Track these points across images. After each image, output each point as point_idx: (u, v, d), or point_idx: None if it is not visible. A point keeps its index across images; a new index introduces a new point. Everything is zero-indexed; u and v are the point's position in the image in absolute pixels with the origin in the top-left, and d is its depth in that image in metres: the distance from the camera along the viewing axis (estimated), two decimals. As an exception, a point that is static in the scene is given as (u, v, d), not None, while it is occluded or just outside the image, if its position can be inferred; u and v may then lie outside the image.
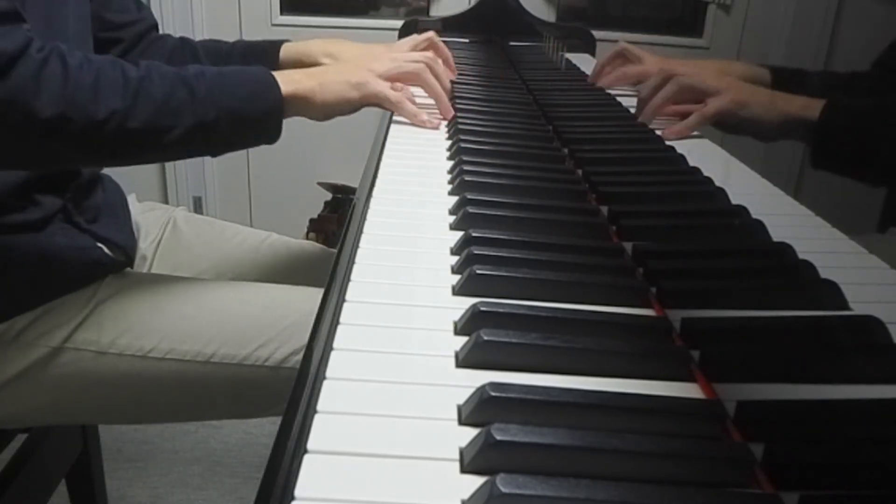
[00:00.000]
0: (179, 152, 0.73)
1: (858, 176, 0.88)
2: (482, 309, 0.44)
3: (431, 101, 0.91)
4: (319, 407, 0.36)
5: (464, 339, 0.43)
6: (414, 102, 0.89)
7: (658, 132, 0.90)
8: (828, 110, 0.85)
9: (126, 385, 0.76)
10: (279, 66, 0.97)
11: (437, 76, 0.90)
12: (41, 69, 0.61)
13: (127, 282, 0.79)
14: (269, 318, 0.79)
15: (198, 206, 2.19)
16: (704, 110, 0.90)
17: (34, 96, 0.61)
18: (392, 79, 0.85)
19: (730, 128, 0.93)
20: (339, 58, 0.98)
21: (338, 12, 2.23)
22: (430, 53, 0.92)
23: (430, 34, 1.03)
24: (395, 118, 0.91)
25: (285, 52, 1.00)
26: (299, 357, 0.77)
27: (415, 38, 1.02)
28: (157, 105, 0.67)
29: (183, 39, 1.02)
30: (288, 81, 0.76)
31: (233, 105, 0.71)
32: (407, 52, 0.94)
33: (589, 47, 1.58)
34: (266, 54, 0.99)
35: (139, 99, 0.66)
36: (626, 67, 1.12)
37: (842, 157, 0.86)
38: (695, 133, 0.93)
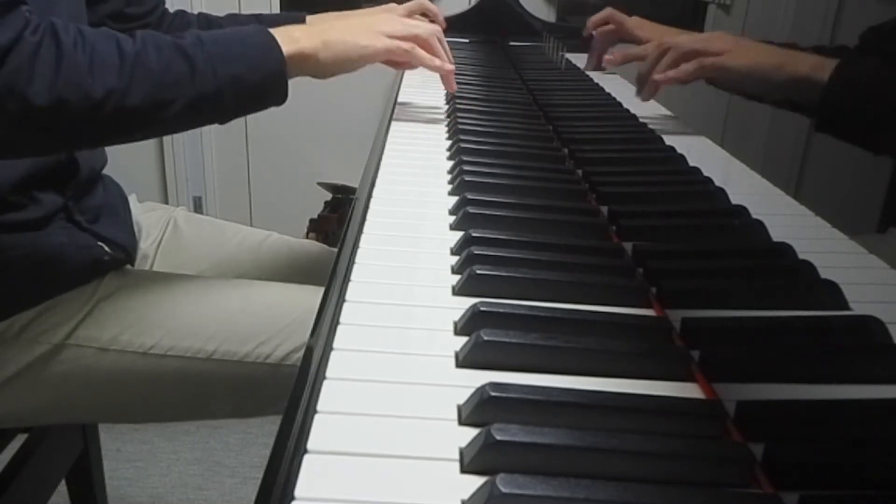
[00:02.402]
0: (185, 124, 0.71)
1: (864, 142, 0.85)
2: (482, 309, 0.44)
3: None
4: (319, 407, 0.36)
5: (464, 339, 0.43)
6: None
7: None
8: (839, 70, 0.81)
9: (127, 382, 0.76)
10: None
11: (443, 47, 0.88)
12: (35, 54, 0.60)
13: (128, 279, 0.80)
14: (271, 315, 0.79)
15: (198, 206, 2.19)
16: (707, 61, 0.86)
17: (29, 83, 0.60)
18: (398, 38, 0.83)
19: (733, 86, 0.90)
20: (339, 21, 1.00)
21: (336, 11, 2.23)
22: (434, 25, 0.90)
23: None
24: (395, 117, 0.91)
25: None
26: (300, 354, 0.77)
27: (408, 5, 1.03)
28: (155, 79, 0.65)
29: (205, 17, 1.03)
30: (289, 41, 0.73)
31: (234, 72, 0.69)
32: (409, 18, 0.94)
33: (588, 47, 1.58)
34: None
35: (136, 74, 0.64)
36: (627, 50, 1.08)
37: (850, 120, 0.83)
38: (695, 133, 0.93)
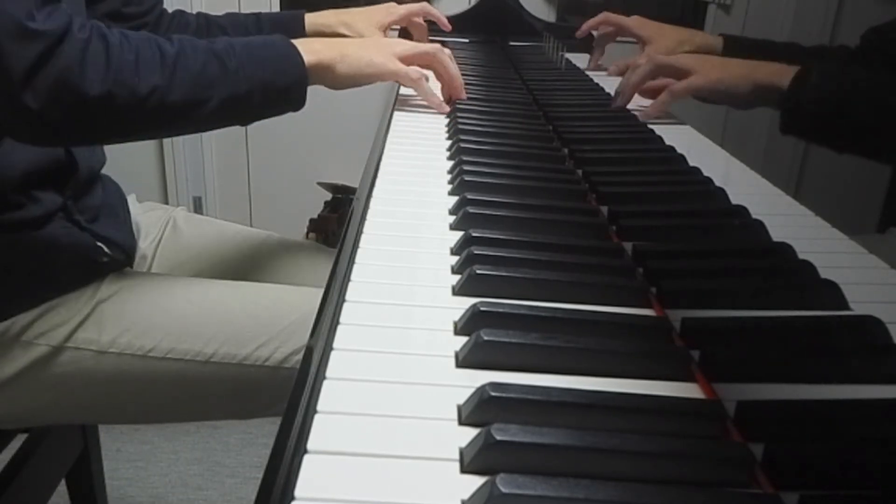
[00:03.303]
0: (215, 123, 0.75)
1: (826, 142, 0.89)
2: (482, 309, 0.44)
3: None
4: (319, 407, 0.36)
5: (464, 339, 0.43)
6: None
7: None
8: (798, 76, 0.86)
9: (126, 384, 0.76)
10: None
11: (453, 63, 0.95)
12: (86, 48, 0.63)
13: (128, 281, 0.79)
14: (270, 317, 0.79)
15: (198, 206, 2.19)
16: (675, 87, 0.94)
17: (81, 75, 0.62)
18: (409, 59, 0.88)
19: (705, 98, 0.95)
20: (353, 26, 1.09)
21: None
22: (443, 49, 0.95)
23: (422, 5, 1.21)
24: (395, 117, 0.91)
25: (307, 24, 1.08)
26: (299, 357, 0.77)
27: (410, 6, 1.18)
28: (193, 79, 0.69)
29: (204, 17, 1.05)
30: (310, 52, 0.79)
31: (263, 77, 0.74)
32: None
33: (589, 47, 1.58)
34: (292, 31, 1.02)
35: (177, 74, 0.68)
36: (626, 62, 1.19)
37: (811, 122, 0.87)
38: (696, 134, 0.93)
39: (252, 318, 0.78)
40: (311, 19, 1.09)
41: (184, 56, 0.69)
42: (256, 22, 1.06)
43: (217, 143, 2.05)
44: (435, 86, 0.96)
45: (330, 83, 0.83)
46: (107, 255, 0.81)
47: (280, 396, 0.78)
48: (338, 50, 0.82)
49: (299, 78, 0.77)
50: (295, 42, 0.79)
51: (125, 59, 0.65)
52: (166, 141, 2.04)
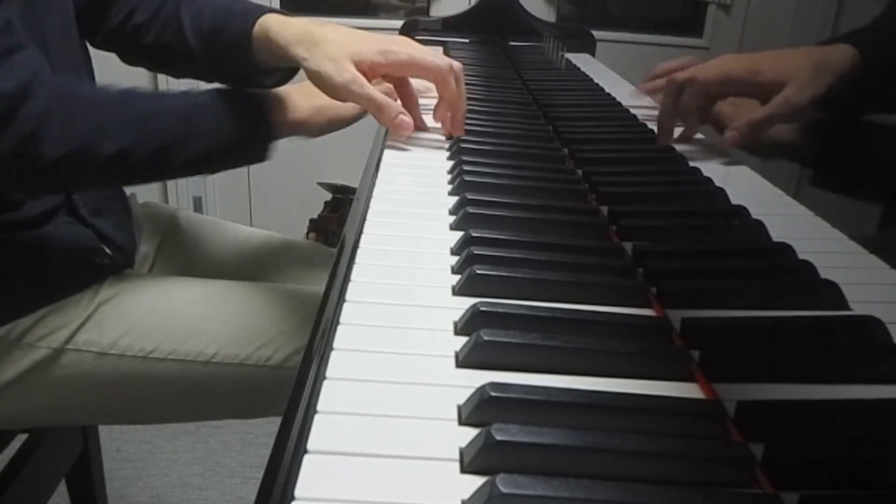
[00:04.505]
0: (182, 175, 0.77)
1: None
2: (482, 309, 0.44)
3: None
4: (319, 407, 0.36)
5: (464, 339, 0.43)
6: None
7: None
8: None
9: (128, 386, 0.76)
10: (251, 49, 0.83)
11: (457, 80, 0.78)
12: (47, 112, 0.61)
13: (128, 283, 0.79)
14: (271, 318, 0.79)
15: (198, 206, 2.19)
16: (766, 114, 0.74)
17: (41, 141, 0.61)
18: (381, 68, 0.76)
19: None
20: (311, 52, 0.79)
21: (338, 12, 2.23)
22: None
23: (443, 67, 0.80)
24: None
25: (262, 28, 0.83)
26: (300, 357, 0.77)
27: (424, 57, 0.81)
28: (160, 140, 0.68)
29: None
30: (287, 108, 0.77)
31: (231, 136, 0.72)
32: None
33: (589, 47, 1.58)
34: (235, 29, 0.84)
35: (144, 136, 0.67)
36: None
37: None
38: (699, 134, 0.93)
39: (253, 319, 0.78)
40: (272, 23, 0.81)
41: (153, 117, 0.68)
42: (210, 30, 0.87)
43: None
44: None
45: (305, 135, 0.82)
46: (108, 257, 0.81)
47: (281, 396, 0.78)
48: (311, 103, 0.79)
49: (269, 136, 0.75)
50: (276, 93, 0.77)
51: (90, 121, 0.64)
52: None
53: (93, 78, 0.87)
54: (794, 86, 0.76)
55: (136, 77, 0.96)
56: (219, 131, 0.72)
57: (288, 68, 0.85)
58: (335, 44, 0.75)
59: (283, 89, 0.81)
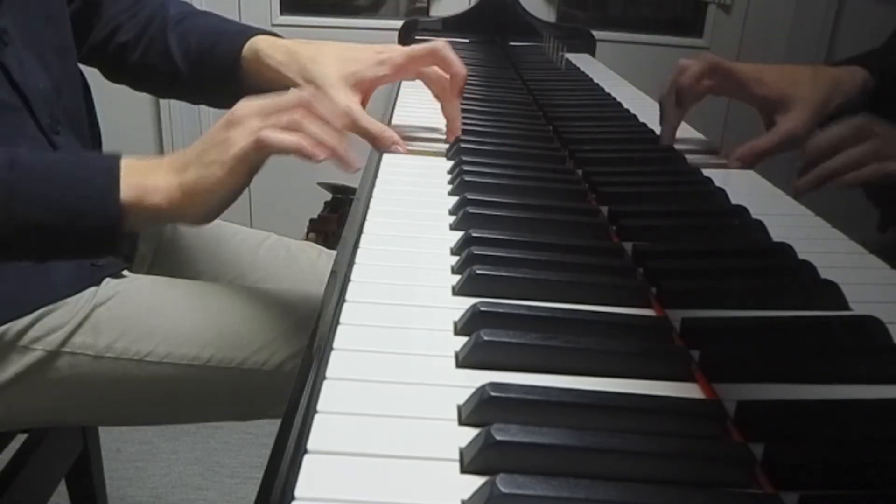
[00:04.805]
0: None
1: None
2: (482, 309, 0.44)
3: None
4: (319, 407, 0.36)
5: (464, 339, 0.43)
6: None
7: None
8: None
9: (123, 389, 0.76)
10: (240, 72, 0.81)
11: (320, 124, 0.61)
12: None
13: (124, 285, 0.79)
14: (267, 321, 0.78)
15: (198, 206, 2.19)
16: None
17: None
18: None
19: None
20: (308, 71, 0.75)
21: (338, 12, 2.23)
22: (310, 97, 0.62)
23: (435, 46, 0.77)
24: (394, 117, 0.91)
25: (251, 50, 0.80)
26: (297, 361, 0.76)
27: (416, 49, 0.78)
28: None
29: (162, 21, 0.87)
30: (134, 184, 0.58)
31: (35, 213, 0.56)
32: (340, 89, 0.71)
33: (589, 47, 1.58)
34: (222, 54, 0.81)
35: None
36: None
37: None
38: (695, 134, 0.93)
39: (248, 322, 0.78)
40: (262, 45, 0.80)
41: None
42: (198, 50, 0.84)
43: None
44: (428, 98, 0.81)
45: (188, 221, 0.63)
46: (104, 259, 0.81)
47: (277, 401, 0.78)
48: (177, 179, 0.59)
49: (104, 223, 0.57)
50: (124, 169, 0.58)
51: None
52: (166, 140, 2.04)
53: (87, 90, 0.87)
54: (801, 108, 0.76)
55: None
56: (18, 206, 0.56)
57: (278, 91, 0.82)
58: (329, 66, 0.72)
59: (140, 163, 0.60)
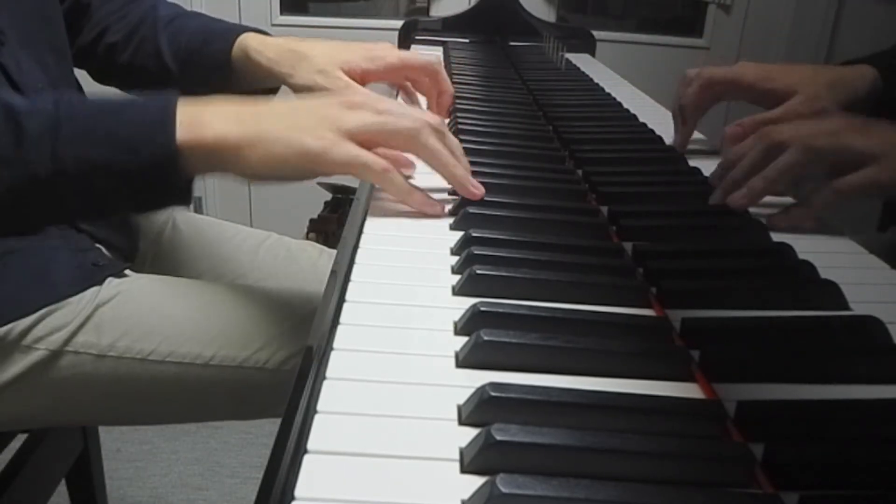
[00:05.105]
0: (14, 220, 0.56)
1: None
2: (482, 309, 0.44)
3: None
4: (319, 407, 0.36)
5: (464, 339, 0.43)
6: (409, 173, 0.65)
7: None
8: None
9: (126, 388, 0.76)
10: (231, 71, 0.79)
11: (446, 144, 0.60)
12: None
13: (126, 284, 0.79)
14: (269, 320, 0.79)
15: (198, 206, 2.19)
16: (845, 184, 0.60)
17: None
18: (368, 141, 0.57)
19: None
20: (295, 69, 0.72)
21: (338, 12, 2.23)
22: (435, 116, 0.61)
23: (430, 61, 0.76)
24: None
25: (241, 47, 0.78)
26: (297, 360, 0.76)
27: (413, 60, 0.77)
28: None
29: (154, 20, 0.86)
30: (194, 124, 0.54)
31: (87, 154, 0.52)
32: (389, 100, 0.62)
33: (589, 47, 1.58)
34: (210, 50, 0.80)
35: None
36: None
37: None
38: (695, 134, 0.93)
39: (250, 321, 0.78)
40: (252, 43, 0.78)
41: None
42: (188, 44, 0.83)
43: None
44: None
45: (236, 171, 0.56)
46: (105, 257, 0.81)
47: (280, 399, 0.78)
48: (250, 124, 0.55)
49: (159, 160, 0.52)
50: (183, 107, 0.54)
51: None
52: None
53: (81, 92, 0.87)
54: (802, 98, 0.74)
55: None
56: (66, 147, 0.51)
57: (267, 89, 0.80)
58: (320, 56, 0.70)
59: (202, 101, 0.56)
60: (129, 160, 0.52)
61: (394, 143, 0.58)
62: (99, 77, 0.91)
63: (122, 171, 0.53)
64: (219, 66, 0.79)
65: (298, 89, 0.68)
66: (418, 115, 0.59)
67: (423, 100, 0.87)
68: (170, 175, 0.54)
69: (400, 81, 0.81)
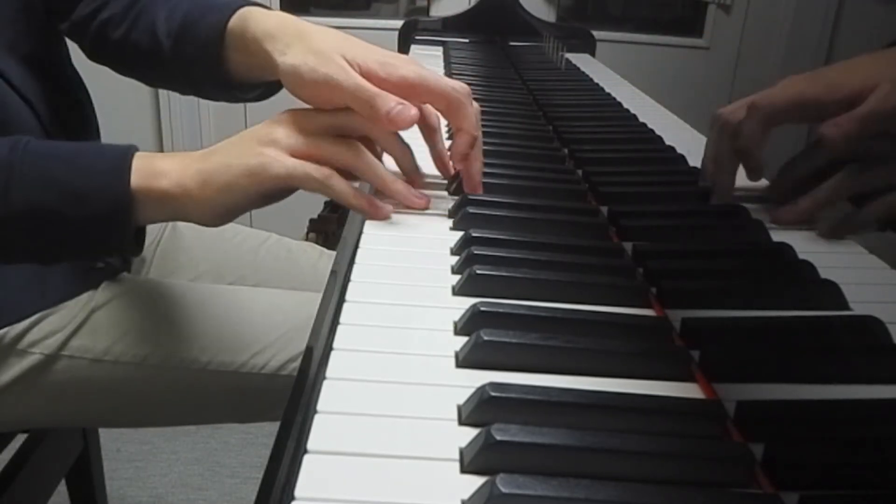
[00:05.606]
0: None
1: None
2: (482, 309, 0.44)
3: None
4: (319, 407, 0.36)
5: (464, 339, 0.43)
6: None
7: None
8: None
9: (122, 392, 0.76)
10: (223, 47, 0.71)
11: (385, 151, 0.61)
12: None
13: (122, 288, 0.79)
14: (266, 324, 0.78)
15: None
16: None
17: None
18: (306, 154, 0.56)
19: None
20: (299, 40, 0.63)
21: (338, 12, 2.23)
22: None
23: (458, 93, 0.60)
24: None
25: (234, 26, 0.69)
26: (296, 365, 0.76)
27: (433, 76, 0.61)
28: None
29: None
30: (149, 171, 0.55)
31: (36, 198, 0.52)
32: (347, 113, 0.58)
33: (589, 47, 1.58)
34: (205, 27, 0.71)
35: None
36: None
37: None
38: (695, 134, 0.93)
39: (247, 326, 0.78)
40: (255, 12, 0.69)
41: None
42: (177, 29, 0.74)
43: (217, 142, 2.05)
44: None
45: (197, 215, 0.57)
46: (103, 262, 0.81)
47: (276, 404, 0.78)
48: (196, 164, 0.56)
49: (112, 206, 0.53)
50: (136, 156, 0.55)
51: None
52: (166, 140, 2.04)
53: (85, 91, 0.84)
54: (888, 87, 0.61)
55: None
56: (17, 190, 0.52)
57: (270, 82, 0.72)
58: (324, 39, 0.62)
59: (152, 155, 0.57)
60: (80, 209, 0.53)
61: (334, 161, 0.58)
62: (91, 55, 0.83)
63: (73, 219, 0.53)
64: (212, 40, 0.69)
65: (285, 70, 0.59)
66: (357, 124, 0.58)
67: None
68: (122, 222, 0.55)
69: (413, 102, 0.61)
